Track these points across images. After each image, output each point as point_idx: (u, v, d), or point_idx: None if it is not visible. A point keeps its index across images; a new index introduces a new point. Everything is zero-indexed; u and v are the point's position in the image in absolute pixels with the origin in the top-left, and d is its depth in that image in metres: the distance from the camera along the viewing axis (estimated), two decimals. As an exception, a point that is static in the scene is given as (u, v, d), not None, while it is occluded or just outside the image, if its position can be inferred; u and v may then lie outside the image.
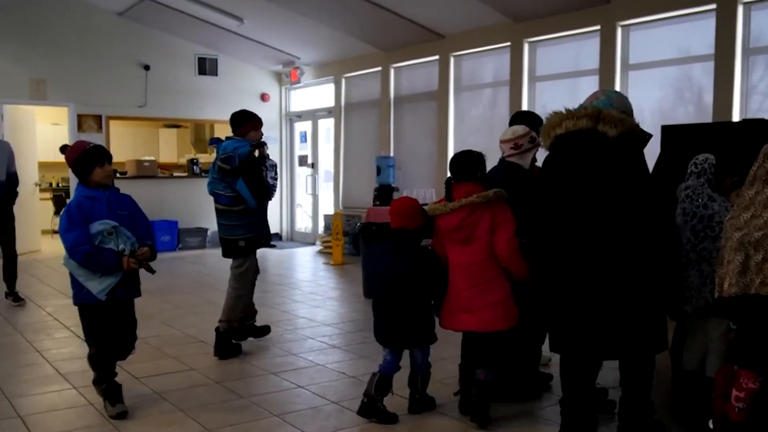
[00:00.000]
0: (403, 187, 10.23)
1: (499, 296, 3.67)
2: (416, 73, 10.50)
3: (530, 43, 8.65)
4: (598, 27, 7.78)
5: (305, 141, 13.36)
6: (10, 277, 7.11)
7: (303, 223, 13.56)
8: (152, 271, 3.95)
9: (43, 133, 13.90)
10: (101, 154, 3.88)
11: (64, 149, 4.07)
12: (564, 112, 3.38)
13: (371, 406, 3.81)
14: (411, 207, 3.82)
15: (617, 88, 7.62)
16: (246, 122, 5.26)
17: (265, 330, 5.62)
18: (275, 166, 5.51)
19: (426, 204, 4.09)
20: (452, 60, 9.75)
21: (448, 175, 3.89)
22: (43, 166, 14.00)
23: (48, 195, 14.40)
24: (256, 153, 5.07)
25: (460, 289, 3.71)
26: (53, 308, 6.92)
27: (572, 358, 3.39)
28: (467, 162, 3.79)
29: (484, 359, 3.76)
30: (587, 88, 8.02)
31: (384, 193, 10.16)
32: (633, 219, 3.18)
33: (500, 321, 3.66)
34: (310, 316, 6.68)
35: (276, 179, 5.48)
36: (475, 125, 9.64)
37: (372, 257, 3.96)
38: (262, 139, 5.29)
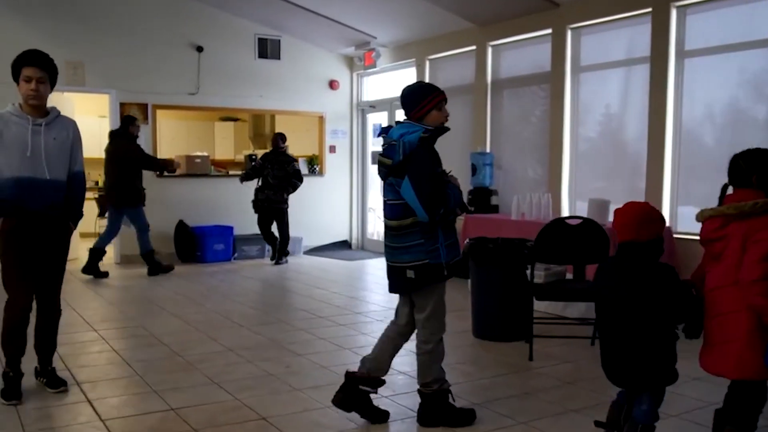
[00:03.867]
0: (505, 190, 8.42)
1: (735, 335, 2.99)
2: (521, 52, 8.64)
3: (678, 7, 6.74)
4: (783, -19, 5.86)
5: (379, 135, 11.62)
6: (45, 344, 4.37)
7: (375, 228, 11.78)
8: None
9: (88, 126, 12.53)
10: None
11: None
12: None
13: None
14: (639, 214, 3.07)
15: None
16: (423, 99, 3.70)
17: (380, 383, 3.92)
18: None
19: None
20: (569, 34, 7.85)
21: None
22: (88, 163, 12.71)
23: (91, 195, 13.07)
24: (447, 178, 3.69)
25: (706, 318, 3.14)
26: (68, 348, 5.27)
27: None
28: (736, 164, 3.15)
29: (730, 412, 3.16)
30: (762, 62, 6.15)
31: (480, 197, 8.35)
32: None
33: (728, 366, 3.03)
34: (401, 367, 4.70)
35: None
36: (600, 114, 7.76)
37: (598, 278, 3.18)
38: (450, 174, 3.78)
